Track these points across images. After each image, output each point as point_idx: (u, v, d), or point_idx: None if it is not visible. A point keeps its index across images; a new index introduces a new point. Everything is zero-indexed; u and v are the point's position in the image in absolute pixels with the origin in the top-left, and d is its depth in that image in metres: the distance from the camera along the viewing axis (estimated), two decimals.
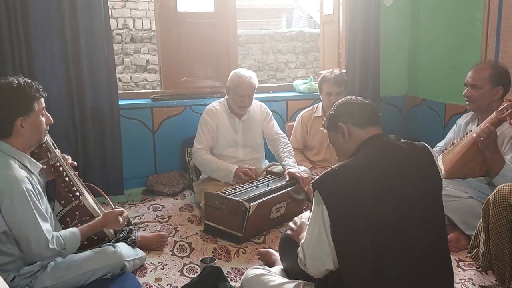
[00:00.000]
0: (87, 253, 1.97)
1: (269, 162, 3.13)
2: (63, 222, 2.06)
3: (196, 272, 2.17)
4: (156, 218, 2.79)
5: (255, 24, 11.61)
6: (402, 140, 1.51)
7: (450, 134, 2.72)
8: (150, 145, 3.35)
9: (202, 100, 3.36)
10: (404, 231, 1.38)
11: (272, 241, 2.49)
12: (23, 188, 1.69)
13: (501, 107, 2.18)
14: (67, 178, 2.09)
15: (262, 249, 2.29)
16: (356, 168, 1.40)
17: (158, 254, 2.34)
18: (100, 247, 2.04)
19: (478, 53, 3.00)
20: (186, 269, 2.23)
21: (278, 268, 1.90)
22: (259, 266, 1.95)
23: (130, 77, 7.15)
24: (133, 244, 2.17)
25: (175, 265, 2.25)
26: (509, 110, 2.12)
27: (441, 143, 2.74)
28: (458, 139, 2.51)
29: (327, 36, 4.16)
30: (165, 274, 2.16)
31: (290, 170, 2.73)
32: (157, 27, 3.50)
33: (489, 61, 2.75)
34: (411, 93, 3.88)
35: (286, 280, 1.70)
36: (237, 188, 2.59)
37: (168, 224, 2.70)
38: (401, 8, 3.75)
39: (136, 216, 2.81)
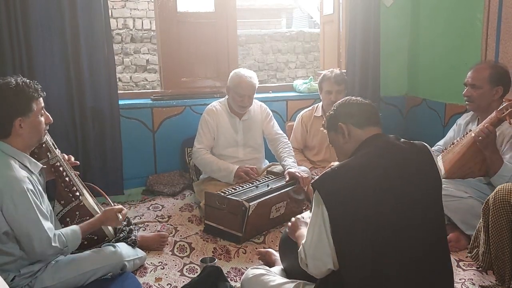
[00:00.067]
0: (87, 253, 1.98)
1: (269, 162, 3.13)
2: (63, 222, 2.06)
3: (196, 272, 2.17)
4: (156, 218, 2.79)
5: (255, 24, 11.62)
6: (402, 139, 1.51)
7: (450, 133, 2.72)
8: (150, 145, 3.35)
9: (202, 100, 3.36)
10: (404, 231, 1.38)
11: (272, 241, 2.50)
12: (24, 188, 1.69)
13: (501, 107, 2.19)
14: (67, 178, 2.09)
15: (262, 249, 2.29)
16: (356, 168, 1.40)
17: (158, 254, 2.34)
18: (100, 247, 2.05)
19: (478, 53, 3.00)
20: (186, 269, 2.23)
21: (278, 268, 1.90)
22: (259, 266, 1.95)
23: (130, 77, 7.15)
24: (133, 244, 2.17)
25: (175, 265, 2.25)
26: (509, 110, 2.12)
27: (441, 142, 2.75)
28: (458, 139, 2.51)
29: (327, 36, 4.16)
30: (165, 274, 2.17)
31: (290, 170, 2.74)
32: (157, 27, 3.50)
33: (489, 61, 2.75)
34: (411, 93, 3.88)
35: (286, 280, 1.70)
36: (237, 188, 2.59)
37: (168, 224, 2.70)
38: (401, 8, 3.75)
39: (136, 216, 2.81)
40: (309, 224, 1.44)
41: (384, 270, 1.36)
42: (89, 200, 2.16)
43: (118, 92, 3.08)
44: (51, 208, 1.93)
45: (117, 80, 3.22)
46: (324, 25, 4.24)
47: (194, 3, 3.59)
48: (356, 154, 1.47)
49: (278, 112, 3.57)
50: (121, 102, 3.13)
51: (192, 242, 2.48)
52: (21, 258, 1.77)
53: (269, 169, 2.99)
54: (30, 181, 1.75)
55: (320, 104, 3.23)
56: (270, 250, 2.23)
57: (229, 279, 2.02)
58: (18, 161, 1.77)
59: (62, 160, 2.10)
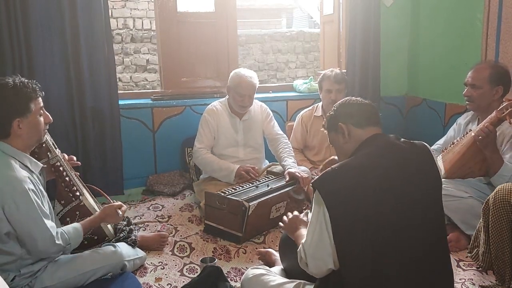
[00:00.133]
0: (87, 253, 1.98)
1: (269, 162, 3.13)
2: (63, 221, 2.06)
3: (196, 272, 2.17)
4: (156, 218, 2.79)
5: (255, 24, 11.62)
6: (402, 139, 1.51)
7: (450, 133, 2.72)
8: (150, 145, 3.35)
9: (202, 100, 3.36)
10: (404, 231, 1.38)
11: (272, 241, 2.49)
12: (25, 188, 1.69)
13: (501, 107, 2.19)
14: (67, 178, 2.10)
15: (262, 249, 2.29)
16: (356, 167, 1.40)
17: (158, 254, 2.34)
18: (100, 247, 2.05)
19: (478, 53, 3.00)
20: (186, 269, 2.23)
21: (278, 268, 1.90)
22: (259, 266, 1.95)
23: (130, 77, 7.15)
24: (133, 244, 2.17)
25: (175, 265, 2.25)
26: (509, 110, 2.12)
27: (441, 141, 2.75)
28: (458, 138, 2.51)
29: (327, 36, 4.16)
30: (165, 274, 2.17)
31: (290, 170, 2.74)
32: (157, 27, 3.50)
33: (489, 61, 2.75)
34: (411, 93, 3.88)
35: (286, 280, 1.70)
36: (237, 188, 2.59)
37: (168, 224, 2.70)
38: (401, 8, 3.75)
39: (136, 216, 2.81)
40: (309, 223, 1.44)
41: (384, 270, 1.36)
42: (89, 200, 2.16)
43: (118, 92, 3.08)
44: (51, 208, 1.93)
45: (117, 80, 3.22)
46: (324, 25, 4.24)
47: (194, 3, 3.59)
48: (356, 154, 1.47)
49: (278, 112, 3.57)
50: (121, 102, 3.13)
51: (192, 242, 2.48)
52: (21, 258, 1.77)
53: (269, 169, 2.99)
54: (31, 181, 1.75)
55: (320, 104, 3.23)
56: (270, 250, 2.23)
57: (229, 279, 2.02)
58: (19, 161, 1.77)
59: (62, 160, 2.10)
